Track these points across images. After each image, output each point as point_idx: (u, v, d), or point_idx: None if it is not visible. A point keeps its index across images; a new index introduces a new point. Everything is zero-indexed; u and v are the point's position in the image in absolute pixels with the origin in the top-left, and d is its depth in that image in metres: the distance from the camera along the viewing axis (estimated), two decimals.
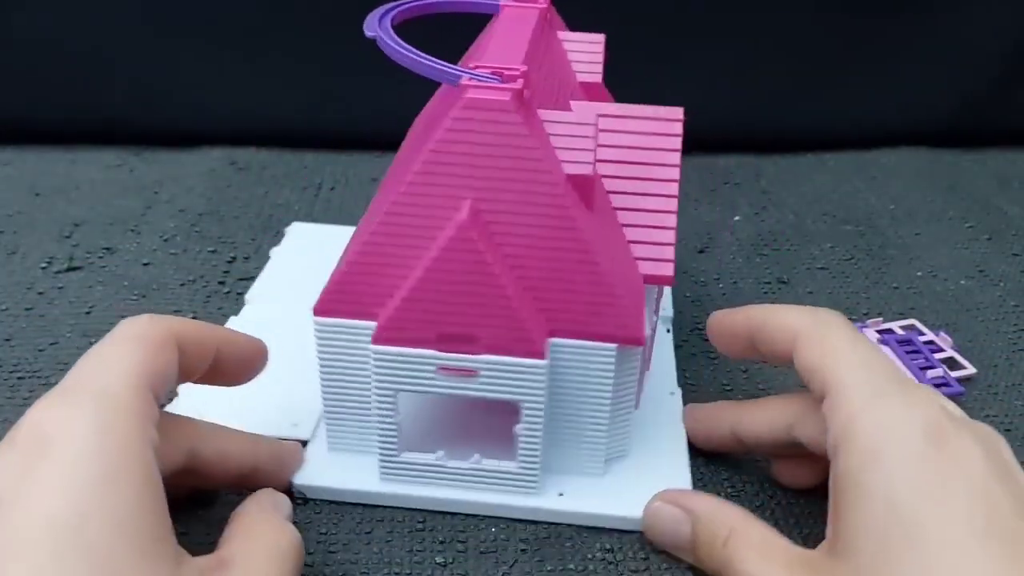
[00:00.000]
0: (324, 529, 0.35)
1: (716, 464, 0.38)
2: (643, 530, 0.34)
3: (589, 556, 0.34)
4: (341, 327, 0.33)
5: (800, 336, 0.32)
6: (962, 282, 0.52)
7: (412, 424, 0.36)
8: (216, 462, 0.32)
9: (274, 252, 0.51)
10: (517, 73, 0.31)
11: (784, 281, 0.52)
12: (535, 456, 0.34)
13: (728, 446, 0.36)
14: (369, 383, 0.33)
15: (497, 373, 0.32)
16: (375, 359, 0.32)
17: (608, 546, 0.34)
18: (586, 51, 0.42)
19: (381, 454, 0.35)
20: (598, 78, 0.42)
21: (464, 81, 0.31)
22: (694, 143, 0.64)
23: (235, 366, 0.33)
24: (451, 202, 0.31)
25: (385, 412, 0.33)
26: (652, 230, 0.35)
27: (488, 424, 0.36)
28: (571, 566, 0.34)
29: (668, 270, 0.34)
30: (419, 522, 0.35)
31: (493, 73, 0.31)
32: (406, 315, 0.32)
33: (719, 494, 0.37)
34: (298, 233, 0.53)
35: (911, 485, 0.26)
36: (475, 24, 0.43)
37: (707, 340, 0.46)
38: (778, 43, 0.65)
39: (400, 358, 0.32)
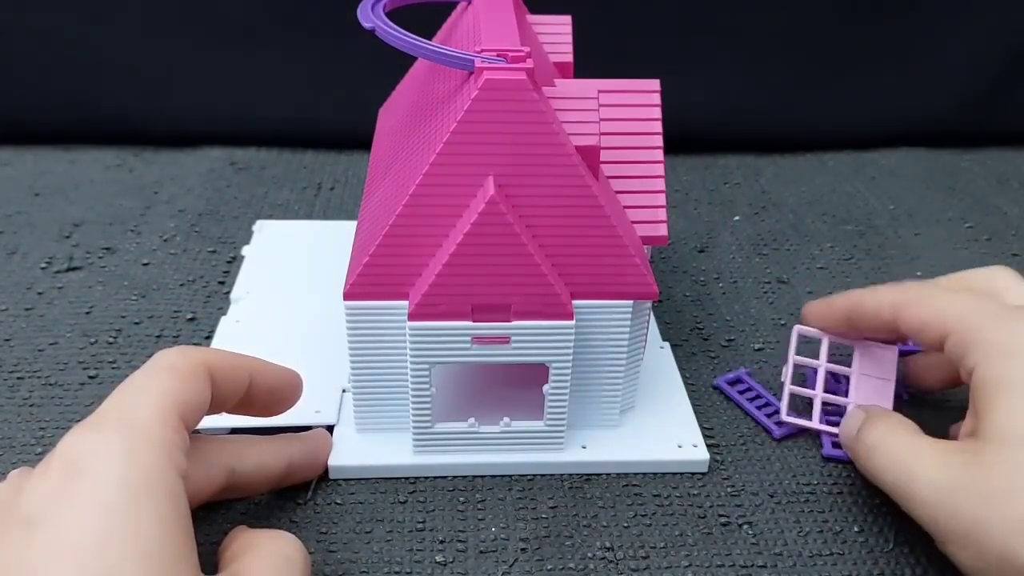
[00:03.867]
0: (324, 529, 0.35)
1: (713, 470, 0.38)
2: (841, 428, 0.37)
3: (589, 555, 0.34)
4: (372, 309, 0.34)
5: (903, 302, 0.36)
6: None
7: (441, 397, 0.38)
8: (255, 473, 0.33)
9: (247, 250, 0.51)
10: (523, 54, 0.33)
11: (784, 281, 0.52)
12: (562, 413, 0.36)
13: (841, 330, 0.40)
14: (399, 362, 0.35)
15: (529, 337, 0.34)
16: (411, 335, 0.34)
17: (608, 544, 0.34)
18: (555, 32, 0.45)
19: (416, 426, 0.36)
20: (569, 58, 0.45)
21: (479, 64, 0.32)
22: (694, 143, 0.66)
23: (268, 396, 0.33)
24: (474, 179, 0.33)
25: (420, 386, 0.35)
26: (644, 195, 0.37)
27: (509, 390, 0.39)
28: (571, 565, 0.34)
29: (662, 231, 0.37)
30: (419, 522, 0.35)
31: (498, 55, 0.33)
32: (441, 290, 0.33)
33: (719, 494, 0.37)
34: (266, 230, 0.53)
35: None
36: (434, 12, 0.44)
37: (707, 339, 0.46)
38: (778, 43, 0.65)
39: (436, 332, 0.34)
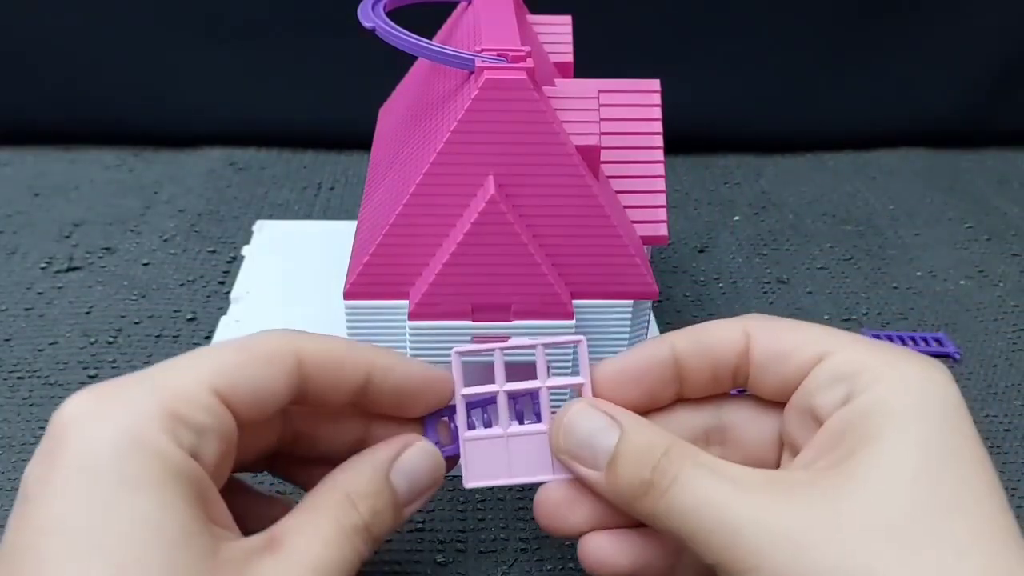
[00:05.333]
0: None
1: None
2: (555, 437, 0.28)
3: None
4: (372, 309, 0.34)
5: (755, 330, 0.28)
6: (961, 282, 0.52)
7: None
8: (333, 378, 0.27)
9: (247, 250, 0.51)
10: (523, 54, 0.33)
11: (784, 281, 0.52)
12: None
13: (659, 392, 0.29)
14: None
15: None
16: (411, 334, 0.34)
17: None
18: (555, 32, 0.45)
19: None
20: (569, 57, 0.44)
21: (479, 63, 0.32)
22: (694, 143, 0.66)
23: (394, 398, 0.28)
24: (474, 179, 0.33)
25: None
26: (644, 195, 0.37)
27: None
28: (571, 565, 0.34)
29: (662, 231, 0.37)
30: (419, 522, 0.35)
31: (498, 55, 0.33)
32: (441, 290, 0.33)
33: None
34: (266, 230, 0.53)
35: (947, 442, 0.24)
36: (434, 12, 0.44)
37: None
38: (778, 43, 0.65)
39: (436, 331, 0.34)
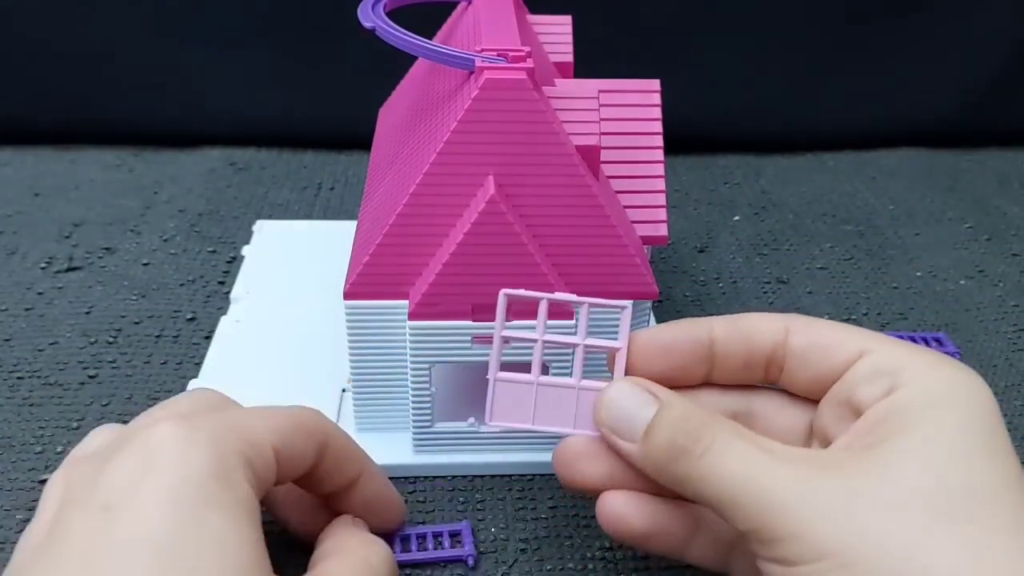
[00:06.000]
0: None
1: None
2: (599, 412, 0.28)
3: (589, 556, 0.34)
4: (372, 309, 0.34)
5: (794, 324, 0.28)
6: (961, 282, 0.52)
7: (441, 396, 0.38)
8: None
9: (247, 250, 0.51)
10: (523, 54, 0.33)
11: (784, 281, 0.52)
12: None
13: (690, 369, 0.30)
14: (399, 361, 0.35)
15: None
16: (412, 334, 0.34)
17: (608, 545, 0.34)
18: (556, 32, 0.45)
19: (415, 426, 0.36)
20: (569, 58, 0.45)
21: (479, 63, 0.32)
22: (694, 143, 0.66)
23: (365, 503, 0.32)
24: (474, 179, 0.33)
25: (420, 385, 0.35)
26: (644, 195, 0.37)
27: None
28: (571, 566, 0.34)
29: (662, 231, 0.37)
30: (419, 522, 0.35)
31: (498, 55, 0.33)
32: (441, 290, 0.33)
33: None
34: (266, 230, 0.53)
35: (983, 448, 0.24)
36: (434, 12, 0.44)
37: None
38: (778, 43, 0.65)
39: (436, 331, 0.34)
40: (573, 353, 0.30)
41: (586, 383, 0.29)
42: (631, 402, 0.28)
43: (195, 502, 0.24)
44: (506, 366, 0.30)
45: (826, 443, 0.27)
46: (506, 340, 0.30)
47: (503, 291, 0.29)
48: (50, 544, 0.24)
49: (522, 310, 0.33)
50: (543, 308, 0.29)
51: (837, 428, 0.27)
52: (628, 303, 0.29)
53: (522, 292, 0.29)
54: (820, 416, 0.28)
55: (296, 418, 0.28)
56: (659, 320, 0.47)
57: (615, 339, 0.29)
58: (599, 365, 0.32)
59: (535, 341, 0.30)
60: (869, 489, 0.23)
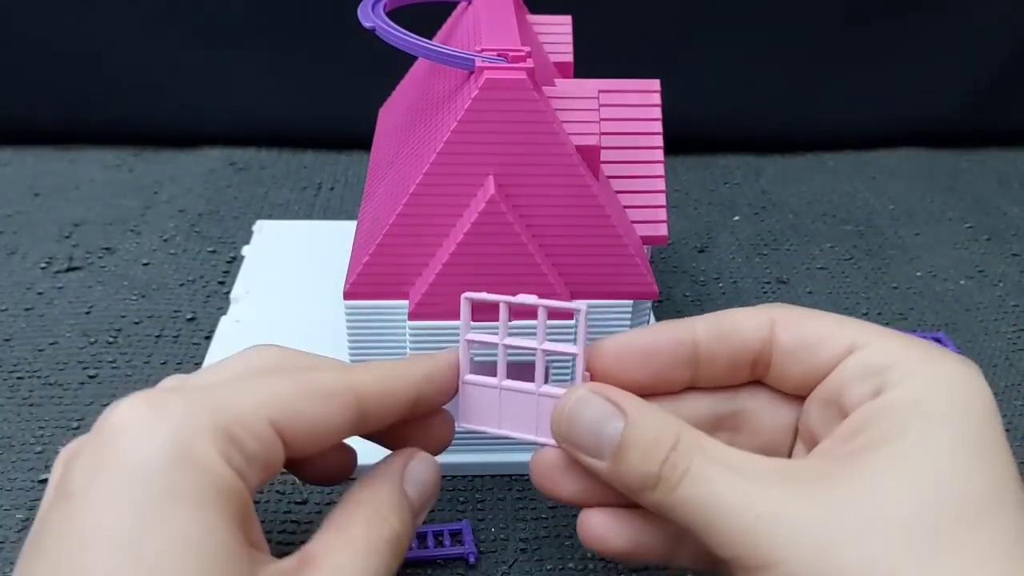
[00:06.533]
0: None
1: None
2: (556, 425, 0.26)
3: (589, 555, 0.34)
4: (372, 309, 0.34)
5: (780, 319, 0.27)
6: (961, 282, 0.52)
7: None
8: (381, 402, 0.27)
9: (247, 250, 0.51)
10: (523, 54, 0.33)
11: (784, 281, 0.52)
12: None
13: (671, 376, 0.28)
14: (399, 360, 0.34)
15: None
16: (411, 334, 0.34)
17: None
18: (556, 32, 0.45)
19: None
20: (569, 58, 0.44)
21: (479, 63, 0.32)
22: (694, 143, 0.66)
23: (433, 406, 0.29)
24: (474, 179, 0.33)
25: None
26: (644, 195, 0.37)
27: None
28: (571, 565, 0.34)
29: (662, 231, 0.37)
30: None
31: (498, 55, 0.33)
32: (441, 289, 0.33)
33: None
34: (266, 230, 0.53)
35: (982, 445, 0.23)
36: (434, 12, 0.44)
37: None
38: (778, 43, 0.65)
39: (436, 331, 0.34)
40: (572, 360, 0.29)
41: (546, 388, 0.28)
42: (593, 415, 0.25)
43: (157, 491, 0.21)
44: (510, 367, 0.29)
45: (811, 443, 0.26)
46: (471, 343, 0.29)
47: (464, 295, 0.28)
48: (30, 534, 0.23)
49: (520, 311, 0.33)
50: (503, 312, 0.28)
51: (823, 428, 0.26)
52: (582, 305, 0.27)
53: (484, 296, 0.28)
54: (806, 415, 0.27)
55: (307, 384, 0.25)
56: (659, 320, 0.47)
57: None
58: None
59: (497, 345, 0.28)
60: (851, 512, 0.22)
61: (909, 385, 0.24)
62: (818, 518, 0.22)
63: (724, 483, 0.23)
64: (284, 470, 0.27)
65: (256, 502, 0.35)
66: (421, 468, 0.28)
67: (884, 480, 0.22)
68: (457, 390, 0.29)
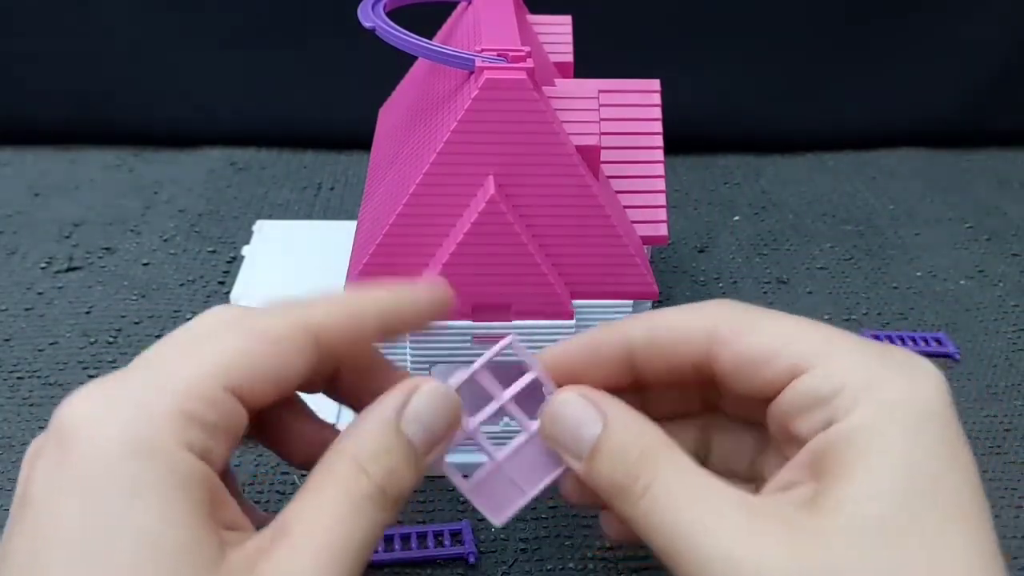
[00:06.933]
0: None
1: None
2: (542, 421, 0.26)
3: (589, 555, 0.34)
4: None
5: (721, 328, 0.25)
6: (962, 282, 0.52)
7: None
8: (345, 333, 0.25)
9: (247, 250, 0.51)
10: (523, 54, 0.33)
11: (784, 281, 0.52)
12: None
13: (613, 378, 0.27)
14: (399, 361, 0.35)
15: (529, 337, 0.33)
16: (411, 334, 0.34)
17: (608, 545, 0.34)
18: (556, 32, 0.45)
19: None
20: (569, 58, 0.44)
21: (479, 63, 0.32)
22: (694, 143, 0.66)
23: (411, 327, 0.27)
24: (474, 179, 0.33)
25: None
26: (644, 195, 0.37)
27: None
28: (571, 565, 0.34)
29: (662, 231, 0.37)
30: (419, 522, 0.35)
31: (498, 55, 0.33)
32: None
33: None
34: (266, 230, 0.53)
35: (936, 458, 0.22)
36: (434, 12, 0.44)
37: None
38: (778, 43, 0.65)
39: (436, 331, 0.34)
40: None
41: (535, 424, 0.27)
42: (575, 415, 0.25)
43: (114, 490, 0.21)
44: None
45: (778, 460, 0.26)
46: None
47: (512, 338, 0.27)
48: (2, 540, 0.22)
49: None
50: (465, 392, 0.27)
51: (781, 452, 0.25)
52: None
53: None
54: (770, 423, 0.26)
55: (256, 333, 0.24)
56: None
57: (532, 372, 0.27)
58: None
59: (474, 429, 0.27)
60: (810, 553, 0.21)
61: (855, 416, 0.23)
62: (781, 559, 0.21)
63: (683, 509, 0.23)
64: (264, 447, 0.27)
65: (254, 500, 0.35)
66: (426, 402, 0.25)
67: (837, 526, 0.22)
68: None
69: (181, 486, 0.21)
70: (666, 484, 0.23)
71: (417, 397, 0.25)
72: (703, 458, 0.28)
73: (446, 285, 0.27)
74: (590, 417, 0.25)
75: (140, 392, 0.22)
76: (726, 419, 0.28)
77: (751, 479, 0.27)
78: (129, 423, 0.21)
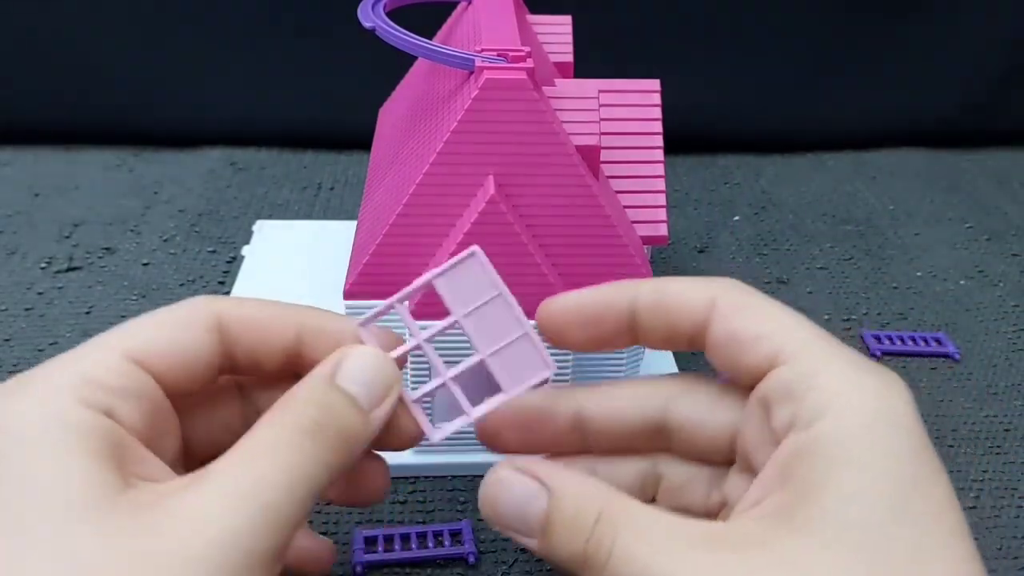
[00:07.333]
0: (323, 530, 0.35)
1: None
2: (482, 505, 0.25)
3: None
4: (371, 308, 0.34)
5: (721, 303, 0.26)
6: (961, 282, 0.52)
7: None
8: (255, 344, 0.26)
9: (247, 250, 0.51)
10: (523, 54, 0.33)
11: (784, 281, 0.52)
12: None
13: (561, 442, 0.28)
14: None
15: None
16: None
17: None
18: (556, 32, 0.45)
19: None
20: (569, 58, 0.44)
21: (479, 63, 0.32)
22: (694, 143, 0.66)
23: (315, 352, 0.26)
24: (473, 179, 0.33)
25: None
26: (644, 194, 0.37)
27: None
28: None
29: (662, 231, 0.37)
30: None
31: (498, 55, 0.33)
32: None
33: None
34: (266, 230, 0.53)
35: (909, 469, 0.22)
36: (434, 12, 0.44)
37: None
38: (778, 43, 0.65)
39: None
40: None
41: (453, 386, 0.26)
42: (516, 495, 0.24)
43: (12, 451, 0.21)
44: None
45: (747, 466, 0.25)
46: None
47: (475, 248, 0.26)
48: None
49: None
50: (402, 310, 0.26)
51: (757, 453, 0.25)
52: (552, 368, 0.26)
53: (489, 270, 0.26)
54: (743, 435, 0.26)
55: (164, 314, 0.25)
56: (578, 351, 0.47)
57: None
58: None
59: (451, 316, 0.26)
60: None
61: (823, 425, 0.23)
62: None
63: (650, 563, 0.22)
64: None
65: None
66: (359, 364, 0.25)
67: (810, 552, 0.21)
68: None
69: (73, 432, 0.21)
70: (627, 544, 0.22)
71: (350, 359, 0.25)
72: (652, 491, 0.28)
73: (390, 341, 0.26)
74: (533, 492, 0.24)
75: (47, 371, 0.23)
76: (676, 457, 0.28)
77: (708, 510, 0.27)
78: (32, 394, 0.22)
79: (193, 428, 0.26)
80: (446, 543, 0.34)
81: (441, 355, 0.26)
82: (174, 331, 0.25)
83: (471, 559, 0.33)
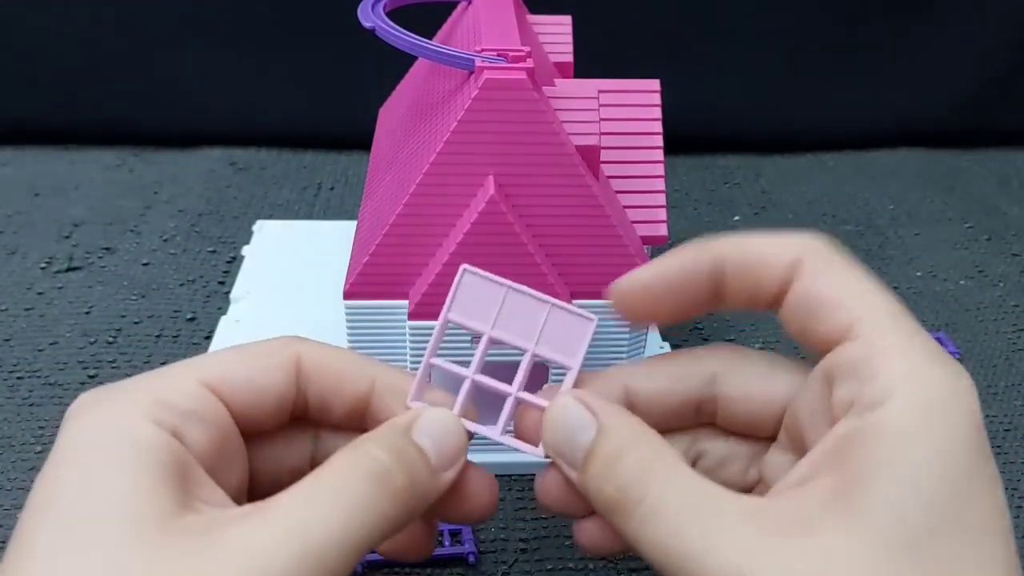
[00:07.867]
0: None
1: None
2: (544, 432, 0.25)
3: (589, 555, 0.34)
4: (371, 309, 0.34)
5: (807, 261, 0.25)
6: (961, 282, 0.52)
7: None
8: (329, 393, 0.26)
9: (247, 250, 0.51)
10: (523, 54, 0.33)
11: None
12: None
13: (697, 301, 0.27)
14: (399, 361, 0.35)
15: None
16: (411, 334, 0.34)
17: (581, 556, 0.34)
18: (556, 32, 0.45)
19: None
20: (569, 58, 0.44)
21: (479, 63, 0.32)
22: (694, 143, 0.66)
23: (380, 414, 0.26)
24: (473, 179, 0.33)
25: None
26: (644, 195, 0.37)
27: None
28: (571, 565, 0.34)
29: (662, 231, 0.37)
30: None
31: (498, 55, 0.33)
32: (441, 290, 0.33)
33: None
34: (266, 230, 0.53)
35: (970, 461, 0.21)
36: (434, 12, 0.44)
37: (706, 339, 0.46)
38: (778, 43, 0.65)
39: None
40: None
41: (524, 395, 0.26)
42: (570, 421, 0.24)
43: (82, 467, 0.21)
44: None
45: (792, 444, 0.25)
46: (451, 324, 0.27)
47: (464, 267, 0.26)
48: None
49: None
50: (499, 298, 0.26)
51: (810, 429, 0.24)
52: (594, 319, 0.26)
53: (486, 276, 0.26)
54: (797, 407, 0.25)
55: (245, 346, 0.25)
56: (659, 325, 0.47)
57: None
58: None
59: (482, 334, 0.26)
60: (833, 563, 0.20)
61: (898, 407, 0.22)
62: None
63: (686, 520, 0.21)
64: None
65: None
66: (436, 422, 0.25)
67: (857, 540, 0.20)
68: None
69: (138, 448, 0.22)
70: (664, 497, 0.22)
71: (427, 415, 0.25)
72: (692, 466, 0.27)
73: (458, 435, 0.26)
74: (585, 424, 0.24)
75: (123, 389, 0.24)
76: (718, 431, 0.28)
77: (744, 487, 0.27)
78: (106, 411, 0.23)
79: (262, 462, 0.26)
80: (446, 543, 0.34)
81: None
82: (253, 364, 0.25)
83: (471, 559, 0.33)
